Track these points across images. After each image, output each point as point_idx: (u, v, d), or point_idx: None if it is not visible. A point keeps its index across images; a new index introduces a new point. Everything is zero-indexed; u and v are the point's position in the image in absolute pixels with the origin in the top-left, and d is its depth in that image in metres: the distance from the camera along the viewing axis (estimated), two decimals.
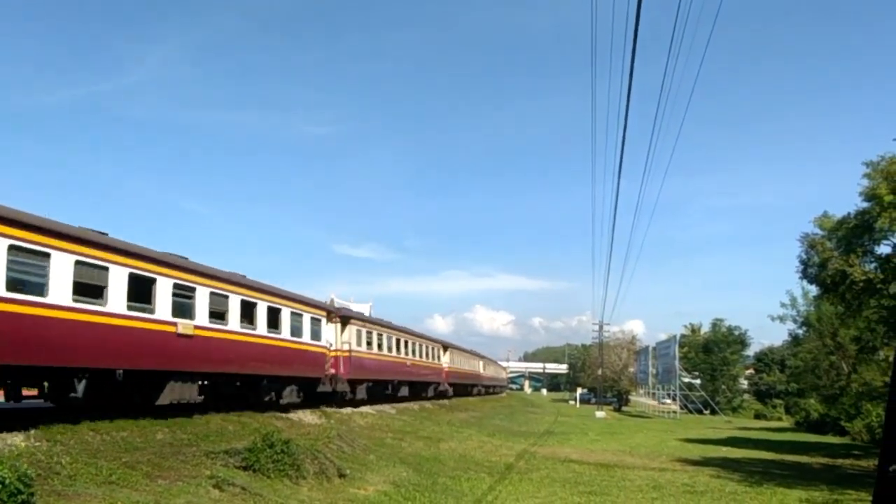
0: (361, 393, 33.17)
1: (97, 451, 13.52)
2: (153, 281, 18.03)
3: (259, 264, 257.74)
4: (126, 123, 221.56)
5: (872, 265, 34.24)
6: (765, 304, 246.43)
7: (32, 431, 13.43)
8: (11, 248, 13.61)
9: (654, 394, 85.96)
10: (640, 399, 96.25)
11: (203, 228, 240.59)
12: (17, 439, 12.75)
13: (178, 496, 12.10)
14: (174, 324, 18.54)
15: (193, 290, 19.65)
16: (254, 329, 22.92)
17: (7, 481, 8.73)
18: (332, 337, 30.25)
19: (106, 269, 16.34)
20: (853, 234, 33.39)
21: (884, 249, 33.72)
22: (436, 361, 51.15)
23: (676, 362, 75.81)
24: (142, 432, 16.02)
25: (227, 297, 21.44)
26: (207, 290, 20.27)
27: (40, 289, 14.28)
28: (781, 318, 68.04)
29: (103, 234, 17.00)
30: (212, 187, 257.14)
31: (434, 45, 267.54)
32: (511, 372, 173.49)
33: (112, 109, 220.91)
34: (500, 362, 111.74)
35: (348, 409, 30.29)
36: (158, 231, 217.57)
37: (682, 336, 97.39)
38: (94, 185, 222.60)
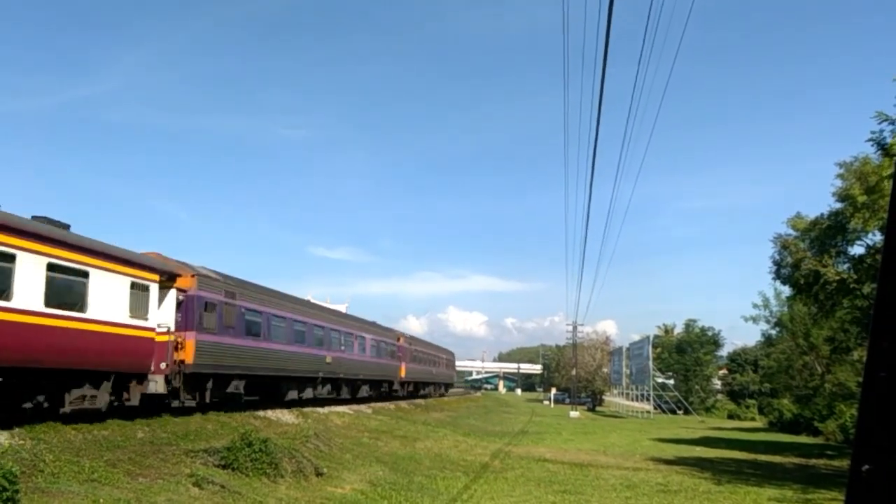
0: None
1: (79, 450, 13.60)
2: None
3: (236, 266, 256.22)
4: (102, 128, 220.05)
5: (846, 266, 34.24)
6: (738, 304, 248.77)
7: (17, 430, 13.50)
8: None
9: (628, 394, 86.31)
10: (614, 399, 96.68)
11: (179, 231, 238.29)
12: (1, 437, 12.82)
13: (159, 494, 12.16)
14: None
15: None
16: None
17: None
18: None
19: None
20: (826, 234, 33.44)
21: (857, 250, 33.64)
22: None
23: (650, 363, 76.05)
24: (123, 431, 16.07)
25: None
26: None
27: None
28: (754, 319, 68.91)
29: None
30: (188, 190, 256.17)
31: (409, 49, 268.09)
32: (486, 372, 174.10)
33: (88, 114, 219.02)
34: (473, 361, 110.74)
35: (325, 409, 30.31)
36: (134, 233, 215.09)
37: (656, 337, 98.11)
38: (69, 189, 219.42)
